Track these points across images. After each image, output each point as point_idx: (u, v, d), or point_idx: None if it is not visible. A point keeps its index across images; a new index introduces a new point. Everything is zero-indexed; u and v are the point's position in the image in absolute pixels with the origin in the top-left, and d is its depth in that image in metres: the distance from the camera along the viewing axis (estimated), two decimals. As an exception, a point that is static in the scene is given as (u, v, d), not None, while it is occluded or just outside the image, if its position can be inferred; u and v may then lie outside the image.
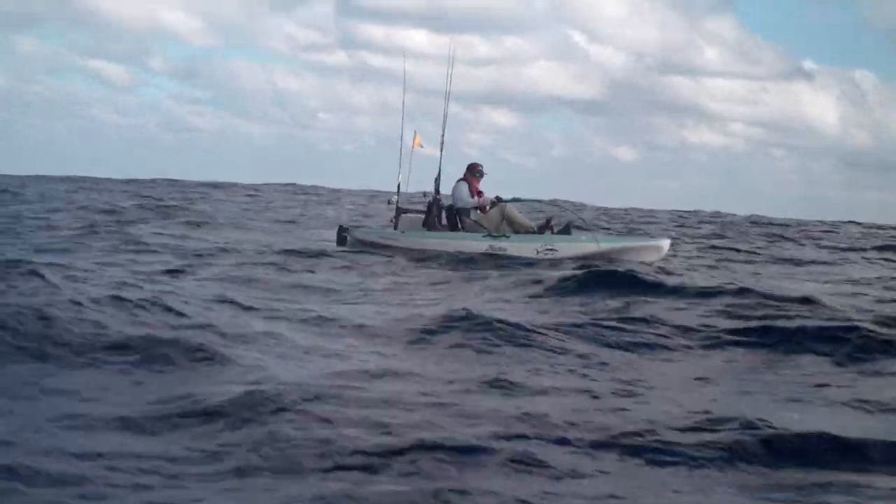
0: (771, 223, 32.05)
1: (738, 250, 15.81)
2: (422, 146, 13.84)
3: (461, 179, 12.96)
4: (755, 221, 33.80)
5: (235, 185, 49.27)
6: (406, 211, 13.39)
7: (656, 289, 8.75)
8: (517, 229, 12.44)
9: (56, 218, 17.16)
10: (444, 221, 13.00)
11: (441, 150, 13.47)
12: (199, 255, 11.35)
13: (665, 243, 12.53)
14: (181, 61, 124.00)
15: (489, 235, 12.31)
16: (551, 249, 11.99)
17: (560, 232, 12.57)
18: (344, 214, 25.36)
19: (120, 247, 11.84)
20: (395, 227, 13.36)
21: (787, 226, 30.71)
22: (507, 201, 12.88)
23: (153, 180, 50.45)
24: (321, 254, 11.95)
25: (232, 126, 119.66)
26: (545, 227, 12.49)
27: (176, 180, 51.98)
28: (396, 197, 13.62)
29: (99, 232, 14.14)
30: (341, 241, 13.56)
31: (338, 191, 49.99)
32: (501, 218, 12.52)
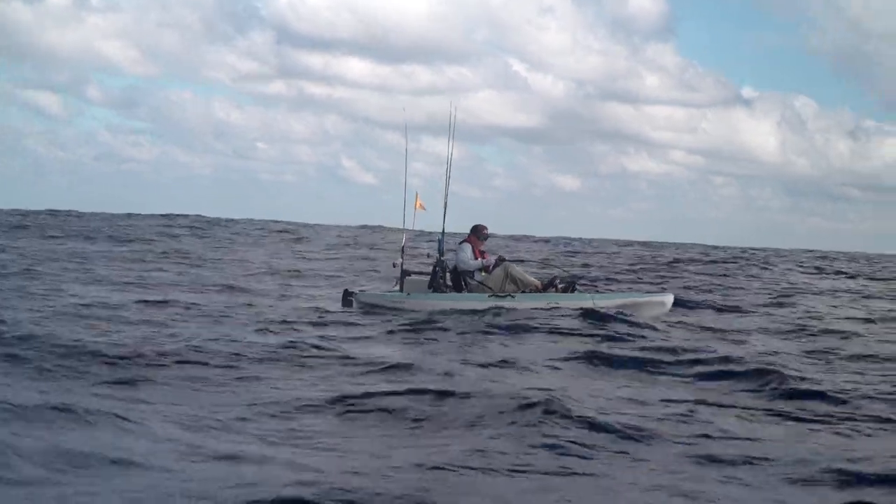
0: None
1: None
2: (424, 208, 14.03)
3: (464, 241, 13.17)
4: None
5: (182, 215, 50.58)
6: (410, 273, 13.56)
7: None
8: (521, 288, 12.59)
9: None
10: (449, 282, 13.18)
11: (444, 211, 13.67)
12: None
13: (668, 299, 12.71)
14: (119, 91, 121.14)
15: (494, 296, 12.46)
16: (556, 307, 12.13)
17: (564, 289, 12.74)
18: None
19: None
20: (401, 289, 13.53)
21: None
22: (510, 261, 13.08)
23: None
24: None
25: (171, 156, 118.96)
26: (549, 285, 12.66)
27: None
28: (401, 259, 13.80)
29: None
30: (346, 303, 13.73)
31: (277, 222, 50.36)
32: (505, 277, 12.69)
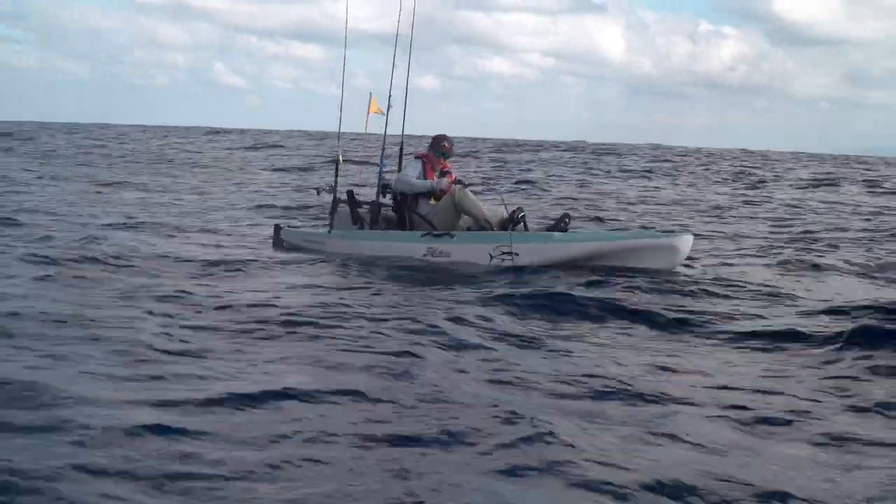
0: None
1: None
2: (381, 112, 10.29)
3: (417, 156, 9.59)
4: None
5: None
6: (352, 202, 10.03)
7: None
8: (472, 224, 9.01)
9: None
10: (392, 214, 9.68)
11: (393, 124, 10.05)
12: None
13: (684, 241, 8.76)
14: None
15: (428, 235, 8.92)
16: (509, 253, 8.51)
17: (552, 228, 9.04)
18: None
19: None
20: (331, 224, 10.12)
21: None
22: (467, 185, 9.48)
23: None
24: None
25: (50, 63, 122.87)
26: (508, 222, 8.91)
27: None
28: (334, 182, 10.33)
29: None
30: (277, 242, 10.45)
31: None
32: (454, 209, 9.07)
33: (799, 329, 5.87)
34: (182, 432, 3.55)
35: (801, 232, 12.72)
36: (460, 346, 5.34)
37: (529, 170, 27.10)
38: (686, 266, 8.58)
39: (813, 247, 10.84)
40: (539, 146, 47.68)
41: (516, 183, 21.17)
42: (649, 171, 27.80)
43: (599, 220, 13.44)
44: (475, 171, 24.11)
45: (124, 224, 11.51)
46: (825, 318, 6.31)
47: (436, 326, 5.72)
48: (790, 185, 23.69)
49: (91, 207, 13.51)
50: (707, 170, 29.74)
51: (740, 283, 7.83)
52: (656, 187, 21.72)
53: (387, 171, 9.88)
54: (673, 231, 9.10)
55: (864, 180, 25.37)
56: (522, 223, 8.94)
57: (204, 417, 3.78)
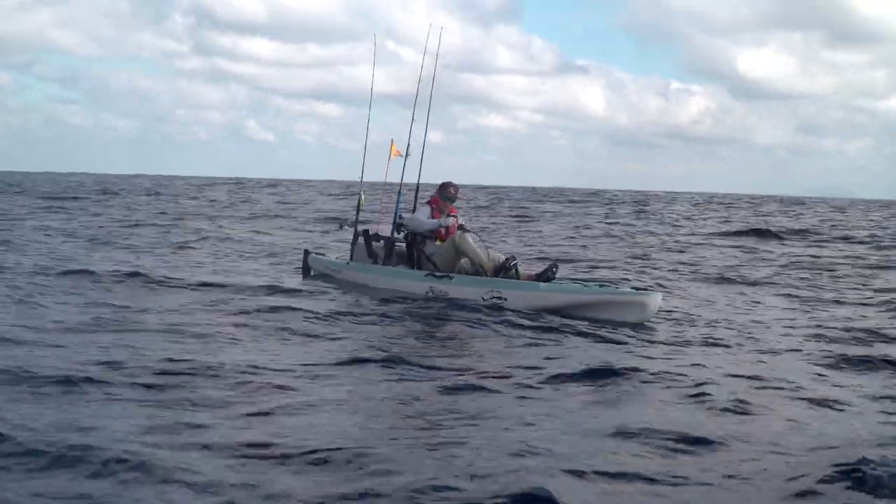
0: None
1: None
2: (401, 154, 11.58)
3: (427, 202, 10.93)
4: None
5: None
6: (371, 236, 11.37)
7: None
8: (470, 268, 10.32)
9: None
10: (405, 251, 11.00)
11: (411, 170, 11.38)
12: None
13: (653, 299, 9.63)
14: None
15: (431, 275, 10.25)
16: (499, 298, 9.81)
17: (540, 276, 10.23)
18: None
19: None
20: (351, 255, 11.52)
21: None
22: (470, 231, 10.71)
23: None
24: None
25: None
26: (501, 269, 10.20)
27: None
28: (354, 218, 11.71)
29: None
30: (305, 270, 11.92)
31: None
32: (454, 251, 10.40)
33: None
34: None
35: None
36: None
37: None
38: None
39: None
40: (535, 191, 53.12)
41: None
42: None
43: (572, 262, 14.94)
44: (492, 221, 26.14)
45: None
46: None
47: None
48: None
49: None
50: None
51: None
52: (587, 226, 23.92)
53: (402, 210, 11.21)
54: (645, 289, 10.31)
55: (779, 232, 25.89)
56: (514, 270, 10.23)
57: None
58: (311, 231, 22.21)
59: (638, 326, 9.06)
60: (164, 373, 5.80)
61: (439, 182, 10.92)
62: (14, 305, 8.44)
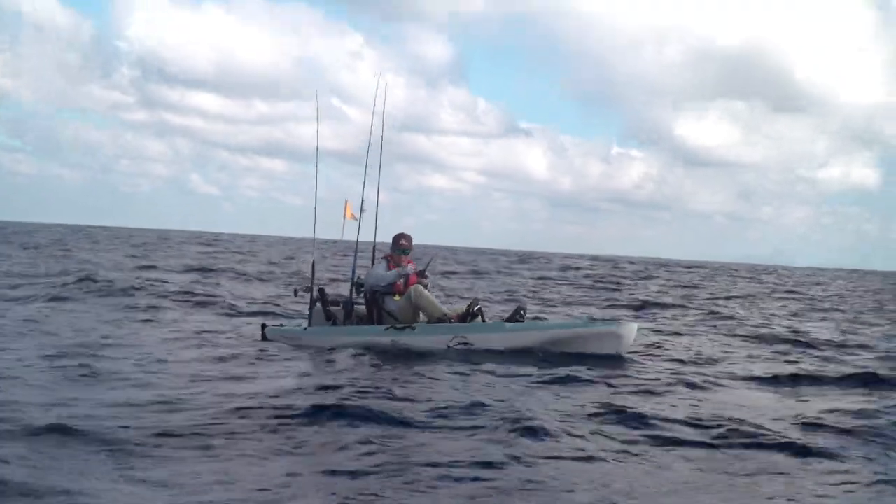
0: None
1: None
2: (355, 218, 11.15)
3: (383, 257, 10.46)
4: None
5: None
6: (324, 300, 10.84)
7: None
8: (429, 318, 9.81)
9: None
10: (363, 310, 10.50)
11: (375, 222, 10.91)
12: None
13: (628, 329, 9.30)
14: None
15: (392, 328, 9.74)
16: (464, 343, 9.32)
17: (510, 319, 9.76)
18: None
19: None
20: (309, 321, 10.99)
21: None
22: (422, 282, 10.16)
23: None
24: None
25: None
26: (467, 315, 9.70)
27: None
28: (311, 282, 11.20)
29: None
30: (265, 338, 11.34)
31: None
32: (410, 306, 9.90)
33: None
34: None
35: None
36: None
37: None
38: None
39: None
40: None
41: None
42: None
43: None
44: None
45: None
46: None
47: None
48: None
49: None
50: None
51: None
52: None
53: (360, 268, 10.73)
54: (618, 319, 9.87)
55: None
56: (480, 314, 9.76)
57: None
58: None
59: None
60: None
61: (390, 239, 10.52)
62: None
